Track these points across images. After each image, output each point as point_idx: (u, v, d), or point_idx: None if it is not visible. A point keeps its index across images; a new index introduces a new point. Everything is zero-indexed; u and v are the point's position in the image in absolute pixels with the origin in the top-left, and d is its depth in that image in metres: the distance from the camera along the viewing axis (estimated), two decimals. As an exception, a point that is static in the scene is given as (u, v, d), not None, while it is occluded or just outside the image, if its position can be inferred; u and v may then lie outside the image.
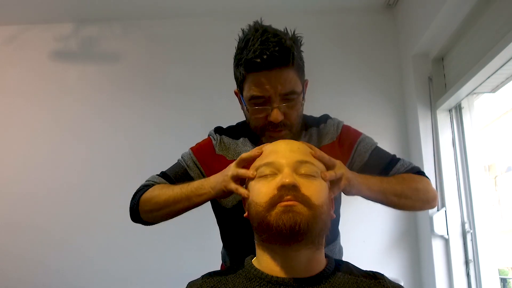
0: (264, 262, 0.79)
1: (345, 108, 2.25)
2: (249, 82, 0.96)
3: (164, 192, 0.97)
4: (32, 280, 2.20)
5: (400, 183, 0.98)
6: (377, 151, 1.08)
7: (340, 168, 0.84)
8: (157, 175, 1.08)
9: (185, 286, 0.83)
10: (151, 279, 2.18)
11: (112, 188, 2.28)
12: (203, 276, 0.84)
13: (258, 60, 0.91)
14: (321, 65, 2.32)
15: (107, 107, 2.41)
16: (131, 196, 1.06)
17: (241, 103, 1.05)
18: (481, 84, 1.80)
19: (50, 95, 2.44)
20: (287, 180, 0.73)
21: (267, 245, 0.78)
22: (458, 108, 2.07)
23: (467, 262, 1.95)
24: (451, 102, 2.00)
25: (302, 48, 1.00)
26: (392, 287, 0.78)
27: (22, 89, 2.45)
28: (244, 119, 1.11)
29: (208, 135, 1.14)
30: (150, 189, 1.01)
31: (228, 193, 0.88)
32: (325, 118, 1.13)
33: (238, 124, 1.16)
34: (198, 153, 1.09)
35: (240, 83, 1.00)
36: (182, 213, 0.97)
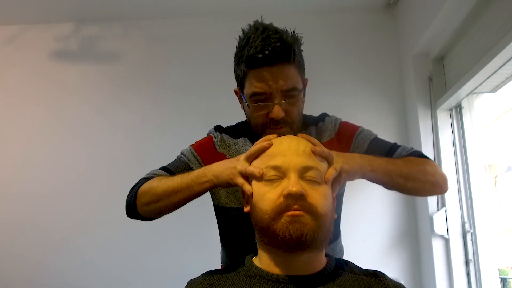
0: (265, 260, 0.79)
1: (345, 108, 2.23)
2: (250, 79, 0.95)
3: (164, 182, 0.93)
4: (32, 280, 2.20)
5: (407, 165, 0.93)
6: (376, 140, 1.06)
7: (338, 162, 0.82)
8: (157, 169, 1.05)
9: (185, 285, 0.83)
10: (151, 279, 2.18)
11: (112, 188, 2.28)
12: (203, 274, 0.84)
13: (260, 55, 0.91)
14: (321, 65, 2.32)
15: (107, 107, 2.41)
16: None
17: (241, 101, 1.04)
18: (481, 84, 1.80)
19: (50, 95, 2.43)
20: (294, 189, 0.72)
21: (268, 247, 0.78)
22: (458, 108, 2.06)
23: (467, 262, 1.95)
24: (451, 102, 2.00)
25: (302, 48, 1.00)
26: (393, 285, 0.78)
27: (22, 89, 2.45)
28: (244, 119, 1.10)
29: (208, 133, 1.13)
30: (149, 181, 0.97)
31: (232, 185, 0.85)
32: (323, 116, 1.13)
33: (237, 124, 1.16)
34: (199, 150, 1.08)
35: (241, 80, 0.99)
36: (182, 205, 0.93)
